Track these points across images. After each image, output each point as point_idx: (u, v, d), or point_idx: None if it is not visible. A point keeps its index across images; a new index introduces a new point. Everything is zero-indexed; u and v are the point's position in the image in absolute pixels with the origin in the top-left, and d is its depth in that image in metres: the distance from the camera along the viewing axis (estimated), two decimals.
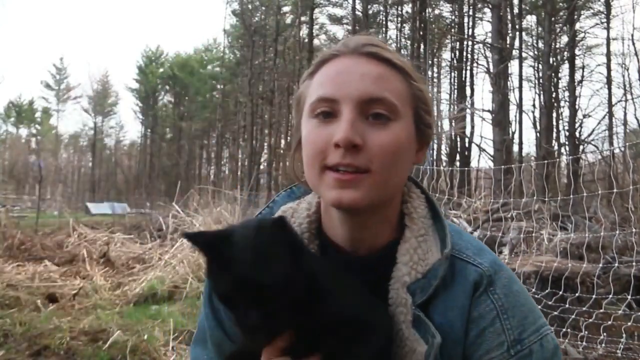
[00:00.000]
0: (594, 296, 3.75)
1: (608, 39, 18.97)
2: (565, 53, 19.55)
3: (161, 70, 46.87)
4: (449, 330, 0.74)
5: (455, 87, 26.66)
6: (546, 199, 6.15)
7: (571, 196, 4.66)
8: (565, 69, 20.29)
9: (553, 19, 18.91)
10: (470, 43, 24.31)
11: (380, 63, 0.76)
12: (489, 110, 13.10)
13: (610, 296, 4.00)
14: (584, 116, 19.31)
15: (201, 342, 0.91)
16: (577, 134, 18.48)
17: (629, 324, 3.62)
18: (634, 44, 18.38)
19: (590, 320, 3.61)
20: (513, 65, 19.90)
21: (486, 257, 0.80)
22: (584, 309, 3.74)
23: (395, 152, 0.74)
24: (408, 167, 0.80)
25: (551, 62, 18.62)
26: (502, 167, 7.79)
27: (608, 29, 19.00)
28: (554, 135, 20.11)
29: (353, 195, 0.72)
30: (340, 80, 0.75)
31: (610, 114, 18.43)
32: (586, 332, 3.53)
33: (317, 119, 0.76)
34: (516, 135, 21.32)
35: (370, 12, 24.38)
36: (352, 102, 0.73)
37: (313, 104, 0.76)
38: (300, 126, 0.81)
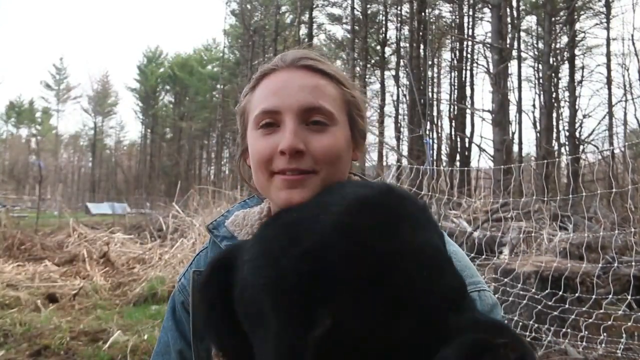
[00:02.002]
0: (594, 296, 3.74)
1: (608, 39, 18.96)
2: (565, 53, 19.54)
3: (161, 70, 46.88)
4: None
5: (455, 87, 26.67)
6: (546, 199, 6.14)
7: (571, 196, 4.65)
8: (565, 69, 20.29)
9: (553, 19, 18.91)
10: (470, 43, 24.32)
11: (315, 74, 0.83)
12: (489, 110, 13.08)
13: (610, 296, 4.00)
14: (584, 116, 19.30)
15: (162, 355, 0.96)
16: (577, 134, 18.46)
17: (629, 324, 3.61)
18: (634, 44, 18.34)
19: (590, 320, 3.61)
20: (513, 66, 19.92)
21: None
22: (584, 309, 3.74)
23: (335, 152, 0.80)
24: (348, 165, 0.87)
25: (551, 62, 18.62)
26: (502, 167, 7.79)
27: (608, 29, 19.01)
28: (554, 135, 20.11)
29: (302, 195, 0.78)
30: (280, 93, 0.81)
31: (610, 114, 18.41)
32: (586, 332, 3.53)
33: (262, 130, 0.81)
34: (516, 135, 21.34)
35: (370, 11, 24.36)
36: (292, 112, 0.79)
37: (257, 117, 0.82)
38: (245, 137, 0.88)
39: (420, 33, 22.03)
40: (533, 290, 3.91)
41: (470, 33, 24.81)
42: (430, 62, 24.61)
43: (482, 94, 52.48)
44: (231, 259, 0.75)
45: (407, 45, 23.76)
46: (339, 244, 0.60)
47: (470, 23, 25.36)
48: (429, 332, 0.58)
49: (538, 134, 19.79)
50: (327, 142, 0.79)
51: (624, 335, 3.54)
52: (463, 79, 25.66)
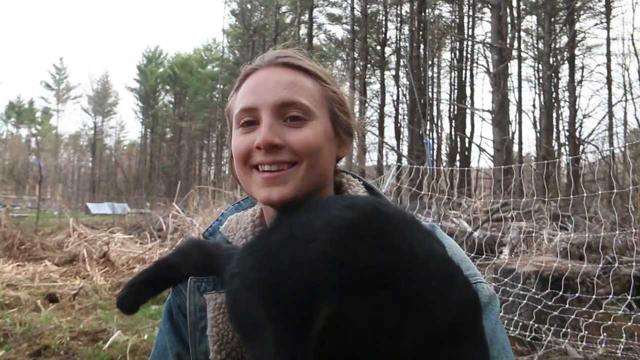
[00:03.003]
0: (594, 296, 3.74)
1: (608, 39, 18.95)
2: (565, 53, 19.53)
3: (161, 70, 46.88)
4: None
5: (455, 87, 26.67)
6: (546, 199, 6.15)
7: (571, 196, 4.66)
8: (565, 69, 20.29)
9: (553, 19, 18.90)
10: (470, 43, 24.32)
11: (293, 71, 0.84)
12: (489, 110, 13.08)
13: (610, 296, 4.00)
14: (584, 116, 19.29)
15: (160, 358, 0.95)
16: (577, 134, 18.45)
17: (629, 324, 3.61)
18: (634, 44, 18.34)
19: (590, 320, 3.61)
20: (513, 66, 19.91)
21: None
22: (584, 309, 3.73)
23: (314, 145, 0.79)
24: (331, 160, 0.85)
25: (551, 62, 18.61)
26: (502, 167, 7.79)
27: (608, 29, 18.99)
28: (554, 135, 20.10)
29: (281, 191, 0.77)
30: (257, 91, 0.81)
31: (610, 114, 18.40)
32: (586, 332, 3.53)
33: (242, 128, 0.82)
34: (516, 135, 21.34)
35: (369, 11, 24.34)
36: (268, 108, 0.79)
37: (237, 116, 0.83)
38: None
39: (420, 33, 22.03)
40: (533, 290, 3.91)
41: (470, 33, 24.82)
42: (430, 62, 24.61)
43: (482, 94, 52.66)
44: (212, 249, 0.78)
45: (407, 45, 23.75)
46: (330, 279, 0.59)
47: (470, 23, 25.37)
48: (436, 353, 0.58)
49: (538, 134, 19.79)
50: (305, 135, 0.79)
51: (624, 335, 3.54)
52: (463, 78, 25.67)
